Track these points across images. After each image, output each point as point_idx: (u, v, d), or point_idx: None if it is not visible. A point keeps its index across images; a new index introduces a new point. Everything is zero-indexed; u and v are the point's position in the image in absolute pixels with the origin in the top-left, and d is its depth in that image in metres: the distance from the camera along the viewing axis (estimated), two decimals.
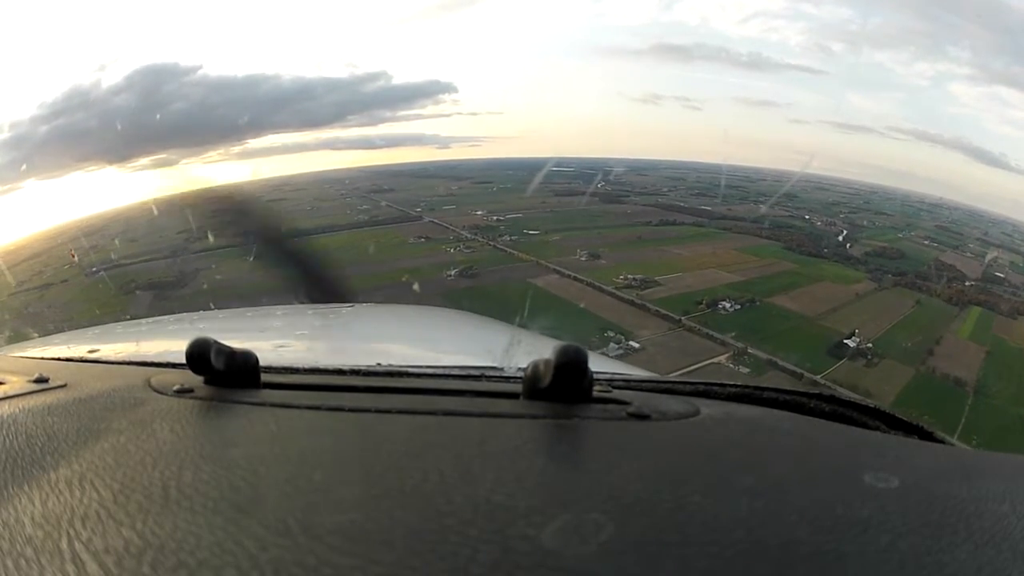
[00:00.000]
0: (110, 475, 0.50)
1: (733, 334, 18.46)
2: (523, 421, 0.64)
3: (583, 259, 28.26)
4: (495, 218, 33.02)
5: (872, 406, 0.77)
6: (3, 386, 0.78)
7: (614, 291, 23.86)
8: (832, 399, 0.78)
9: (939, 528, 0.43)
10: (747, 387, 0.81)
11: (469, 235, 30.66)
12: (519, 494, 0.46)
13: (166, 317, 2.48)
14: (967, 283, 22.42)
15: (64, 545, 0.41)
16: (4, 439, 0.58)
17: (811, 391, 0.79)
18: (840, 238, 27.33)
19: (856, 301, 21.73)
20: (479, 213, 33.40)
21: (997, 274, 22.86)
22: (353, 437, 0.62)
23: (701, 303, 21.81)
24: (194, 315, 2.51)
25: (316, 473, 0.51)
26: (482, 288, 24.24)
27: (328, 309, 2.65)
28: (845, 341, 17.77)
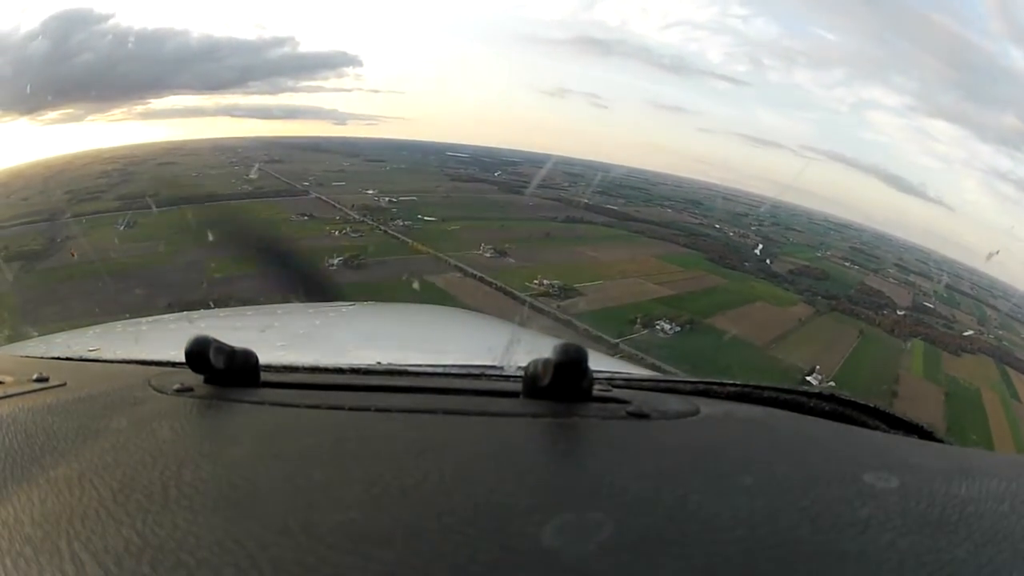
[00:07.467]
0: (110, 474, 0.50)
1: (686, 367, 15.82)
2: (523, 420, 0.64)
3: (488, 255, 24.66)
4: (387, 199, 29.08)
5: (872, 406, 0.76)
6: (3, 385, 0.77)
7: (530, 299, 20.43)
8: (832, 398, 0.77)
9: (939, 528, 0.43)
10: (747, 386, 0.80)
11: (358, 216, 26.43)
12: (519, 493, 0.46)
13: (166, 316, 2.41)
14: (899, 312, 21.89)
15: (63, 545, 0.40)
16: (4, 438, 0.58)
17: (811, 390, 0.78)
18: (757, 252, 26.24)
19: (800, 328, 20.35)
20: (370, 192, 29.42)
21: (926, 304, 22.64)
22: (353, 436, 0.60)
23: (635, 322, 19.10)
24: (194, 314, 2.46)
25: (316, 472, 0.50)
26: (369, 285, 19.89)
27: (328, 308, 2.63)
28: (808, 378, 15.92)
